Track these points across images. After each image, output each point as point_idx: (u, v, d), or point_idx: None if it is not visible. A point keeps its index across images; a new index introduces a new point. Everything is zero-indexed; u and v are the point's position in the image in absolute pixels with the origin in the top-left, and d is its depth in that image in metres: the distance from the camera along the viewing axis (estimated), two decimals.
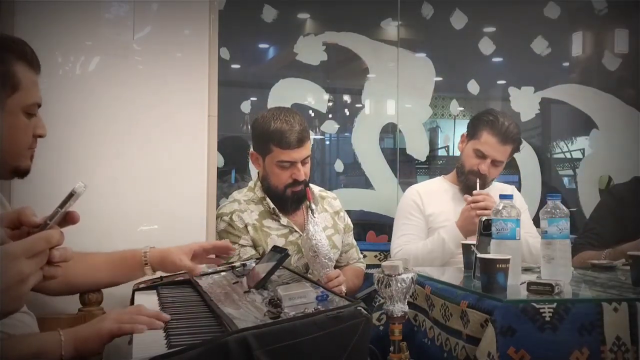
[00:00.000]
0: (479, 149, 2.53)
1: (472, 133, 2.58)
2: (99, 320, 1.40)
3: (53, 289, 1.74)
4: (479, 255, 1.71)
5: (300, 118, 2.31)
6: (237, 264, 2.00)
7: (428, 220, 2.59)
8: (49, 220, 1.01)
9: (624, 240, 2.26)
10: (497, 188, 2.64)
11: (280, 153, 2.26)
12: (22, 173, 1.49)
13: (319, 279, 2.15)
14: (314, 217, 2.20)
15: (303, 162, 2.29)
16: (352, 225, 2.59)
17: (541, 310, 1.46)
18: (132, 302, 1.77)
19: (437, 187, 2.68)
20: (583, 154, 3.70)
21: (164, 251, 1.80)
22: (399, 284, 1.49)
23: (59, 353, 1.29)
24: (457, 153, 2.76)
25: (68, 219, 1.03)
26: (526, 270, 1.99)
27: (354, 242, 2.58)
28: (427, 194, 2.63)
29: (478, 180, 2.49)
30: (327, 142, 3.68)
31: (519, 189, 3.24)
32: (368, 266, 2.61)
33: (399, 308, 1.51)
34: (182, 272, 1.87)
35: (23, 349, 1.26)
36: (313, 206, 2.23)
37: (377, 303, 1.99)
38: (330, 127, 3.26)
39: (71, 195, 1.02)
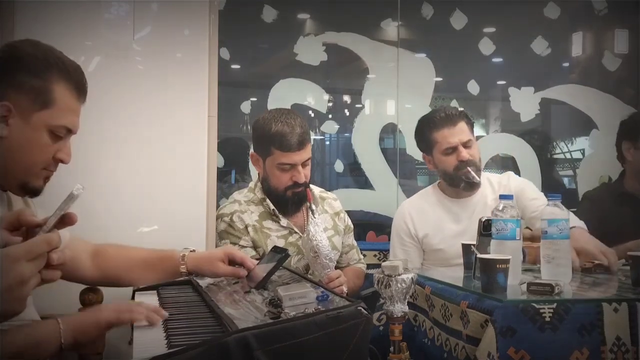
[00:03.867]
0: (444, 148, 2.46)
1: (428, 145, 2.52)
2: (97, 309, 1.39)
3: (89, 278, 1.74)
4: (479, 255, 1.71)
5: (301, 120, 2.30)
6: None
7: (423, 243, 2.52)
8: (47, 223, 1.01)
9: (608, 244, 2.27)
10: (491, 180, 2.58)
11: (280, 155, 2.26)
12: (32, 191, 1.48)
13: (320, 279, 2.15)
14: (314, 217, 2.20)
15: (303, 165, 2.29)
16: (352, 226, 2.58)
17: (541, 311, 1.47)
18: (132, 299, 1.77)
19: (431, 201, 2.58)
20: (583, 154, 3.70)
21: (200, 257, 1.78)
22: (399, 284, 1.49)
23: (59, 341, 1.29)
24: (429, 168, 2.66)
25: (66, 221, 1.03)
26: (526, 270, 1.99)
27: (355, 243, 2.58)
28: (420, 214, 2.54)
29: (470, 169, 2.42)
30: (327, 143, 3.68)
31: None
32: (368, 266, 2.61)
33: (399, 308, 1.51)
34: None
35: (22, 339, 1.25)
36: (313, 207, 2.23)
37: (378, 303, 1.98)
38: (330, 127, 3.27)
39: (69, 198, 1.02)
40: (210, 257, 1.78)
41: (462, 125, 2.47)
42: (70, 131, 1.50)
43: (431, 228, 2.51)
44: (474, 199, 2.54)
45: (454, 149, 2.45)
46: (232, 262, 1.78)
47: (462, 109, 2.58)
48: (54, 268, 0.99)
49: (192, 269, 1.77)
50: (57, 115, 1.44)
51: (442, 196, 2.58)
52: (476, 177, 2.45)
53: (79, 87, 1.48)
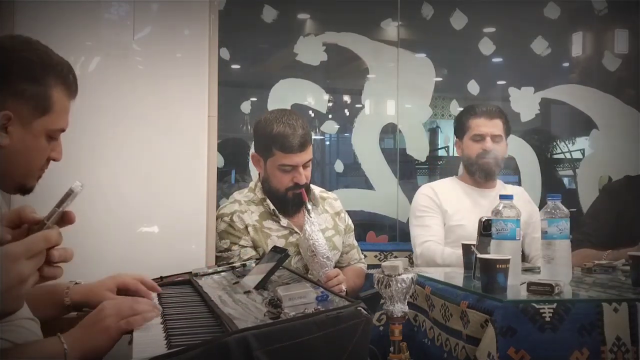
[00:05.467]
0: (474, 134, 2.64)
1: (462, 130, 2.70)
2: (97, 320, 1.32)
3: None
4: (479, 255, 1.71)
5: (303, 122, 2.31)
6: (237, 264, 2.00)
7: (445, 216, 2.61)
8: (46, 220, 1.01)
9: (622, 237, 2.28)
10: (507, 189, 2.66)
11: (282, 157, 2.26)
12: (26, 191, 1.47)
13: (318, 279, 2.15)
14: (310, 217, 2.21)
15: (304, 166, 2.29)
16: (352, 226, 2.58)
17: (541, 311, 1.47)
18: None
19: (450, 185, 2.72)
20: (583, 154, 3.70)
21: (87, 288, 1.68)
22: (399, 284, 1.49)
23: None
24: (457, 154, 2.83)
25: (65, 219, 1.03)
26: (526, 270, 1.99)
27: (355, 243, 2.58)
28: (442, 191, 2.66)
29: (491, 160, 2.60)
30: (327, 143, 3.68)
31: None
32: (368, 266, 2.61)
33: (399, 308, 1.51)
34: (182, 272, 1.87)
35: None
36: (309, 206, 2.25)
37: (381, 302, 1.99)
38: (330, 127, 3.26)
39: (68, 195, 1.02)
40: (97, 287, 1.68)
41: (498, 122, 2.66)
42: (63, 130, 1.50)
43: (452, 205, 2.62)
44: (492, 192, 2.65)
45: (482, 137, 2.64)
46: (125, 291, 1.69)
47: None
48: (56, 265, 0.99)
49: (77, 300, 1.65)
50: (55, 119, 1.43)
51: (462, 184, 2.72)
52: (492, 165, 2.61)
53: (72, 87, 1.47)
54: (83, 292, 1.66)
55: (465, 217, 2.56)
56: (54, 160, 1.49)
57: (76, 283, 1.70)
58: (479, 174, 2.64)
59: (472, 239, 2.16)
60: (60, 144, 1.49)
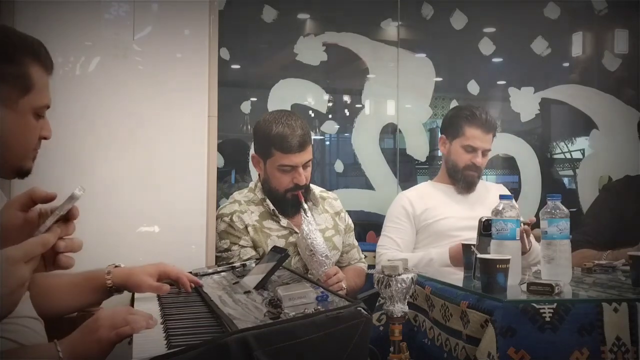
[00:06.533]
0: (468, 145, 2.62)
1: (454, 132, 2.66)
2: (92, 330, 1.29)
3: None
4: (479, 255, 1.71)
5: (302, 122, 2.31)
6: (237, 264, 2.01)
7: (420, 219, 2.62)
8: (45, 223, 1.02)
9: (622, 237, 2.29)
10: (496, 189, 2.66)
11: (281, 157, 2.26)
12: (24, 174, 1.48)
13: (317, 278, 2.15)
14: (307, 216, 2.22)
15: (304, 166, 2.29)
16: (352, 225, 2.59)
17: (541, 311, 1.47)
18: (132, 302, 1.77)
19: (427, 188, 2.74)
20: (583, 154, 3.70)
21: (128, 271, 1.72)
22: (398, 284, 1.49)
23: None
24: (440, 151, 2.84)
25: (69, 216, 1.04)
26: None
27: (355, 243, 2.58)
28: (417, 197, 2.67)
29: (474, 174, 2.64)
30: (327, 143, 3.68)
31: (518, 190, 3.26)
32: (368, 266, 2.62)
33: (399, 308, 1.51)
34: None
35: None
36: (305, 206, 2.25)
37: (378, 303, 1.99)
38: (330, 127, 3.26)
39: (70, 199, 1.03)
40: (139, 271, 1.72)
41: (490, 137, 2.66)
42: (48, 107, 1.50)
43: (431, 204, 2.64)
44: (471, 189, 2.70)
45: (474, 150, 2.62)
46: (165, 279, 1.75)
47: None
48: (66, 255, 1.01)
49: (118, 283, 1.70)
50: (38, 96, 1.43)
51: (439, 184, 2.73)
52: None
53: (47, 62, 1.47)
54: (124, 274, 1.71)
55: (443, 212, 2.60)
56: (44, 138, 1.49)
57: (116, 266, 1.75)
58: (462, 184, 2.66)
59: (454, 231, 2.18)
60: (47, 122, 1.50)
